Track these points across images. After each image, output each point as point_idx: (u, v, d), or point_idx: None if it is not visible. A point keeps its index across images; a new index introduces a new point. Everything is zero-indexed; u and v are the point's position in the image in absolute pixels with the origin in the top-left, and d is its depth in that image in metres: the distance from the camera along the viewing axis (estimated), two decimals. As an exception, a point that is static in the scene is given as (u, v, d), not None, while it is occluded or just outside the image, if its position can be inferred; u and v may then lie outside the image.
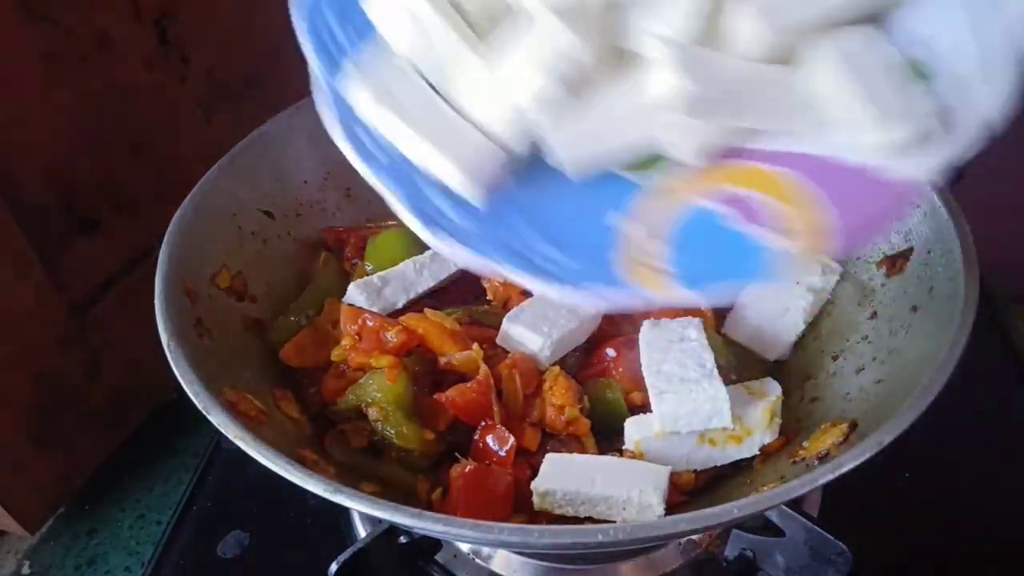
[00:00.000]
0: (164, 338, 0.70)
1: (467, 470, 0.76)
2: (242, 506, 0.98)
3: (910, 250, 0.84)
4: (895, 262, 0.85)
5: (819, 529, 0.76)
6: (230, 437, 0.63)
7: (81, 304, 1.07)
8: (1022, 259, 1.45)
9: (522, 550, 0.86)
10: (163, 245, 0.79)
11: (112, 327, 1.11)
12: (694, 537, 0.89)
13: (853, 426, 0.73)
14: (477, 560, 0.89)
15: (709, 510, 0.58)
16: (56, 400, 1.04)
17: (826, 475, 0.59)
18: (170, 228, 0.81)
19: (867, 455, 0.60)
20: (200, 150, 0.95)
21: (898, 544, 0.92)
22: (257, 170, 0.95)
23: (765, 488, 0.71)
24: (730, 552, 0.87)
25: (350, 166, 1.04)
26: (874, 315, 0.85)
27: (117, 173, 1.09)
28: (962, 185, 1.36)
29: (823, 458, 0.70)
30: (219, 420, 0.64)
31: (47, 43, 0.97)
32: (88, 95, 1.03)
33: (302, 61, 0.66)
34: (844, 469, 0.60)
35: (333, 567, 0.77)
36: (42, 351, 1.02)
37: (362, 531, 0.92)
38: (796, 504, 0.88)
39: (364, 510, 0.58)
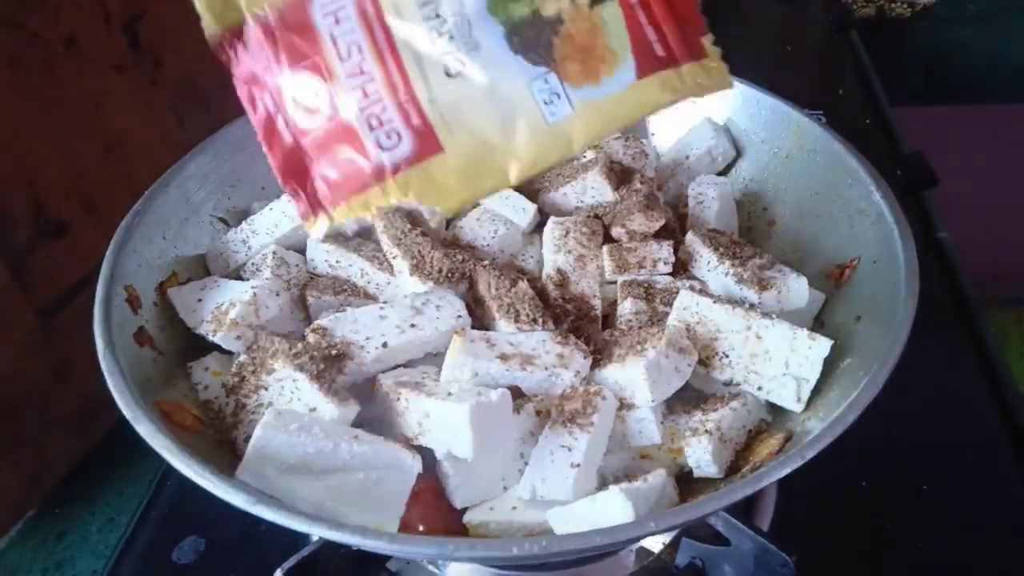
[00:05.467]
0: (99, 346, 0.71)
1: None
2: (200, 511, 0.99)
3: (857, 259, 0.83)
4: (843, 272, 0.85)
5: (763, 540, 0.76)
6: (155, 447, 0.63)
7: (49, 308, 1.07)
8: (997, 262, 1.45)
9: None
10: (108, 251, 0.80)
11: (82, 331, 1.11)
12: (646, 544, 0.89)
13: (788, 437, 0.73)
14: (431, 568, 0.89)
15: (623, 524, 0.58)
16: (22, 403, 1.05)
17: (744, 489, 0.59)
18: (116, 233, 0.81)
19: (787, 470, 0.60)
20: (173, 153, 0.95)
21: (849, 556, 0.92)
22: (212, 176, 0.95)
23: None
24: (681, 560, 0.87)
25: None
26: (821, 325, 0.84)
27: (88, 177, 1.10)
28: (937, 191, 1.37)
29: (756, 469, 0.70)
30: (145, 430, 0.64)
31: (13, 47, 0.97)
32: (57, 99, 1.04)
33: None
34: (763, 484, 0.59)
35: (278, 574, 0.78)
36: (7, 354, 1.02)
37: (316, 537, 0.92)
38: (745, 515, 0.88)
39: (282, 522, 0.58)
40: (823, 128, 0.92)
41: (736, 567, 0.81)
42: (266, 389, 0.75)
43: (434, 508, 0.74)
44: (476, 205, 0.98)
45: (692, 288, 0.83)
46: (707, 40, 0.65)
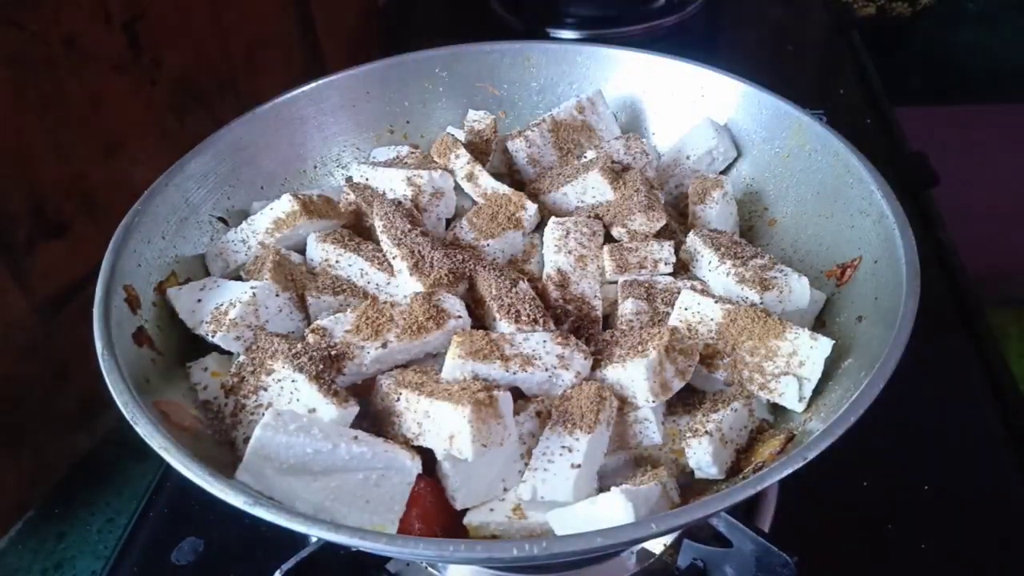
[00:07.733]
0: (99, 346, 0.71)
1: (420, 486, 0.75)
2: (199, 512, 0.99)
3: (859, 259, 0.83)
4: (845, 271, 0.84)
5: (764, 541, 0.75)
6: (154, 447, 0.63)
7: (49, 307, 1.07)
8: (997, 263, 1.45)
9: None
10: (107, 251, 0.79)
11: (82, 331, 1.11)
12: (647, 546, 0.88)
13: (790, 437, 0.72)
14: (430, 569, 0.89)
15: (624, 526, 0.58)
16: (22, 403, 1.04)
17: (746, 490, 0.58)
18: (116, 233, 0.81)
19: (788, 471, 0.59)
20: (173, 153, 0.95)
21: (850, 556, 0.91)
22: (211, 175, 0.94)
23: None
24: (682, 561, 0.86)
25: (306, 173, 1.05)
26: (823, 325, 0.84)
27: (88, 176, 1.09)
28: (938, 191, 1.37)
29: (758, 469, 0.70)
30: (145, 431, 0.64)
31: (13, 47, 0.97)
32: (57, 98, 1.03)
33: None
34: (765, 484, 0.59)
35: (276, 575, 0.77)
36: (7, 354, 1.02)
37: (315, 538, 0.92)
38: (747, 516, 0.88)
39: (281, 523, 0.58)
40: (824, 127, 0.91)
41: (737, 568, 0.81)
42: (265, 390, 0.75)
43: (434, 509, 0.74)
44: (475, 203, 0.98)
45: (694, 288, 0.83)
46: None
